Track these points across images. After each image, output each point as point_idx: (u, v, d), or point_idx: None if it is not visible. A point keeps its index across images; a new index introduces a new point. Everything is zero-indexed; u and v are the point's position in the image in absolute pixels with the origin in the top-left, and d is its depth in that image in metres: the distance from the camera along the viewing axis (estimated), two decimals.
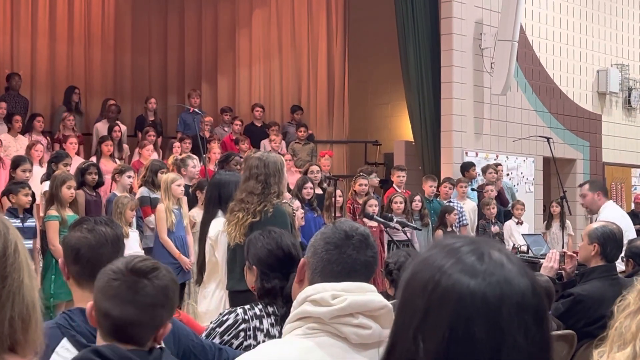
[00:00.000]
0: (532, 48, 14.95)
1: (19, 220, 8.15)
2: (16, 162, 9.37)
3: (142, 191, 9.74)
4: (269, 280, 3.67)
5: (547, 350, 1.40)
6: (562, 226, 12.57)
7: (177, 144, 12.47)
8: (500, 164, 13.56)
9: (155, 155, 12.03)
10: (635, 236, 7.59)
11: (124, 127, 13.16)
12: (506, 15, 13.39)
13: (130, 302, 2.46)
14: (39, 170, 10.08)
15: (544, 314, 1.40)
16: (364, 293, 2.33)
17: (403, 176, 11.99)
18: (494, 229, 11.73)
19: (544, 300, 1.41)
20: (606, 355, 2.11)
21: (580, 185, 8.99)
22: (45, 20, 14.89)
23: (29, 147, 10.80)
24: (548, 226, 12.98)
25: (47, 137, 12.61)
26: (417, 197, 11.37)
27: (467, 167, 12.92)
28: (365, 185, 11.29)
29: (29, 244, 8.00)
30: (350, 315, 2.28)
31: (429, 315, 1.36)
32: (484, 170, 13.08)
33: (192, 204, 9.79)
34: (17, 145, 11.62)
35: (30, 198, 8.56)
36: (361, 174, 11.74)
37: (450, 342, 1.34)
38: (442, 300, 1.36)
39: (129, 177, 9.84)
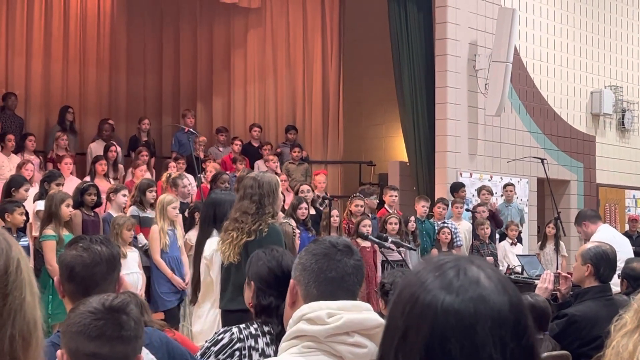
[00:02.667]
0: (526, 69, 15.01)
1: None
2: (19, 182, 9.31)
3: (132, 210, 9.76)
4: (265, 298, 3.67)
5: None
6: (557, 247, 12.56)
7: (172, 163, 12.47)
8: (512, 184, 13.59)
9: (148, 175, 12.02)
10: (631, 256, 7.61)
11: (119, 148, 13.16)
12: (500, 37, 13.45)
13: (118, 339, 2.46)
14: (30, 190, 10.04)
15: (525, 329, 1.39)
16: (359, 311, 2.34)
17: (395, 196, 11.98)
18: (489, 259, 11.64)
19: (525, 316, 1.40)
20: None
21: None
22: (40, 39, 14.90)
23: (19, 167, 10.77)
24: (542, 247, 12.97)
25: (40, 157, 12.59)
26: (412, 218, 11.35)
27: (456, 188, 12.91)
28: (361, 206, 11.25)
29: None
30: (345, 334, 2.28)
31: (407, 334, 1.37)
32: (478, 191, 13.09)
33: (189, 226, 9.77)
34: (11, 164, 11.59)
35: (25, 217, 8.54)
36: (357, 194, 11.72)
37: None
38: (419, 318, 1.37)
39: (124, 195, 9.84)
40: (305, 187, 11.28)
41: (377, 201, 12.18)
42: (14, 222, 8.35)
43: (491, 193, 13.08)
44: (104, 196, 10.12)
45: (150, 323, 4.91)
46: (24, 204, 8.88)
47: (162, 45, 16.75)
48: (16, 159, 11.75)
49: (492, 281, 1.40)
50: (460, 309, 1.35)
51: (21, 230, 8.57)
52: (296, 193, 11.14)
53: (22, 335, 1.64)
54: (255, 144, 14.95)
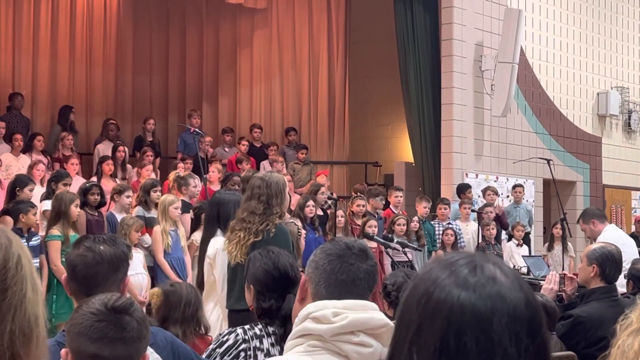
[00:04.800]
0: (532, 70, 14.99)
1: (25, 240, 8.07)
2: (24, 182, 9.31)
3: (137, 211, 9.76)
4: (265, 300, 3.66)
5: None
6: (564, 248, 12.54)
7: (180, 164, 12.46)
8: (521, 185, 13.58)
9: (154, 176, 12.03)
10: (636, 257, 7.59)
11: (126, 148, 13.15)
12: (506, 38, 13.44)
13: (119, 340, 2.44)
14: (38, 190, 10.05)
15: (539, 326, 1.40)
16: (365, 311, 2.33)
17: (400, 196, 11.97)
18: None
19: (539, 313, 1.42)
20: None
21: (577, 222, 9.10)
22: (46, 40, 14.93)
23: (31, 167, 10.79)
24: (550, 248, 12.95)
25: (47, 157, 12.60)
26: (415, 218, 11.34)
27: (463, 189, 12.90)
28: (363, 205, 11.25)
29: (35, 262, 7.91)
30: (351, 333, 2.28)
31: (422, 328, 1.38)
32: (484, 191, 13.08)
33: (195, 227, 9.76)
34: (19, 164, 11.62)
35: (37, 217, 8.55)
36: (359, 194, 11.72)
37: (442, 353, 1.35)
38: (434, 312, 1.38)
39: (128, 197, 9.83)
40: (324, 188, 11.32)
41: (384, 202, 12.18)
42: (28, 222, 8.35)
43: (496, 193, 13.06)
44: (109, 196, 10.13)
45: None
46: (32, 202, 8.89)
47: (168, 45, 16.78)
48: (24, 159, 11.77)
49: (508, 278, 1.42)
50: (477, 304, 1.37)
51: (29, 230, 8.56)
52: (315, 193, 11.10)
53: (22, 331, 1.63)
54: (257, 145, 14.95)
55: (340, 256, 2.47)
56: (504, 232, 12.76)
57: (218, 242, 6.12)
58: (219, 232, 6.25)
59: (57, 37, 15.09)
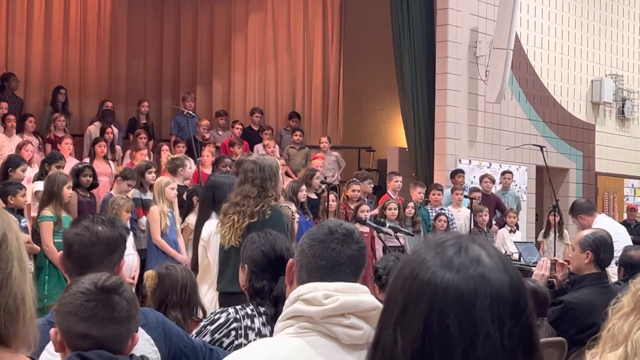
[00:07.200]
0: (526, 57, 14.98)
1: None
2: (16, 163, 9.28)
3: (133, 193, 9.74)
4: (258, 280, 3.69)
5: (528, 344, 1.39)
6: (560, 235, 12.55)
7: (165, 147, 12.40)
8: (510, 172, 13.62)
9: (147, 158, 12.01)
10: (629, 243, 7.62)
11: (116, 130, 13.12)
12: (501, 24, 13.42)
13: (109, 320, 2.44)
14: (28, 171, 10.03)
15: (523, 309, 1.39)
16: (356, 294, 2.33)
17: (400, 181, 12.01)
18: None
19: (524, 295, 1.40)
20: (598, 356, 2.13)
21: (570, 214, 9.15)
22: (40, 21, 14.88)
23: (19, 147, 10.77)
24: (546, 235, 12.96)
25: (39, 138, 12.57)
26: (411, 204, 11.35)
27: (452, 175, 12.92)
28: (358, 190, 11.28)
29: None
30: (341, 316, 2.28)
31: (406, 309, 1.38)
32: (481, 179, 13.09)
33: (187, 210, 9.73)
34: (12, 145, 11.60)
35: (26, 199, 8.52)
36: (354, 179, 11.74)
37: (425, 335, 1.35)
38: (419, 293, 1.37)
39: (129, 185, 9.79)
40: (319, 174, 11.37)
41: (372, 186, 12.21)
42: (17, 204, 8.32)
43: (493, 181, 13.10)
44: (102, 178, 10.12)
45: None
46: (21, 184, 8.86)
47: (162, 28, 16.73)
48: (17, 140, 11.76)
49: (493, 260, 1.40)
50: (460, 285, 1.36)
51: (19, 211, 8.54)
52: (310, 177, 11.12)
53: (8, 310, 1.62)
54: (255, 128, 14.95)
55: (322, 241, 2.45)
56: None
57: (212, 225, 6.12)
58: (213, 215, 6.25)
59: (51, 19, 15.04)
